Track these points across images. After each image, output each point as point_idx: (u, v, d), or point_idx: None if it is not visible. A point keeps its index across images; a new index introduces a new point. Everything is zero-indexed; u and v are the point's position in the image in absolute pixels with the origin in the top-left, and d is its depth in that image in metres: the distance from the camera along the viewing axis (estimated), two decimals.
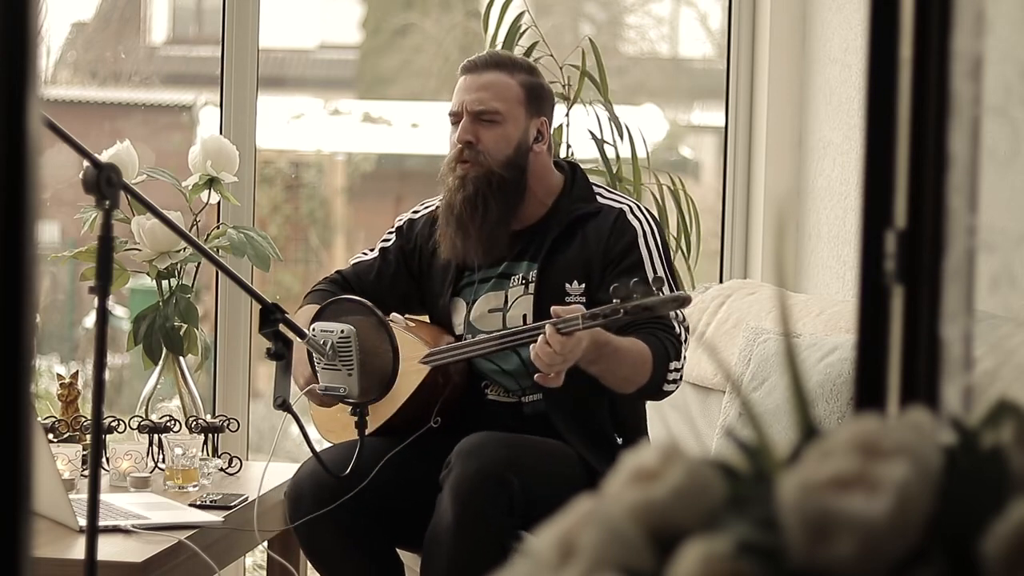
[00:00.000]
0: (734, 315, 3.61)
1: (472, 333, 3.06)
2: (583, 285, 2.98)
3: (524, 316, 3.01)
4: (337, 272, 3.25)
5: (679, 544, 0.87)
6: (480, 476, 2.74)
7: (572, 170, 3.12)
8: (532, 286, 3.01)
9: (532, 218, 3.06)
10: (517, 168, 3.01)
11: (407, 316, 3.16)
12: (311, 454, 2.76)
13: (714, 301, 3.72)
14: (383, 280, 3.18)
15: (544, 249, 3.01)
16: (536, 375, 2.75)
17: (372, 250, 3.24)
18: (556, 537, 0.91)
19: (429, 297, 3.15)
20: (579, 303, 2.91)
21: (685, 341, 2.94)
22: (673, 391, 2.94)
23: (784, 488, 0.86)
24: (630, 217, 3.02)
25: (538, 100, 3.05)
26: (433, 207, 3.16)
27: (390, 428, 3.02)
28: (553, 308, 2.74)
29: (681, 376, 2.94)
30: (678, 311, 2.90)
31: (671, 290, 2.79)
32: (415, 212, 3.23)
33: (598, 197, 3.07)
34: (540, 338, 2.70)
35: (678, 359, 2.90)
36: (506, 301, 3.03)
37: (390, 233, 3.23)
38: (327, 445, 3.11)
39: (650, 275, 2.94)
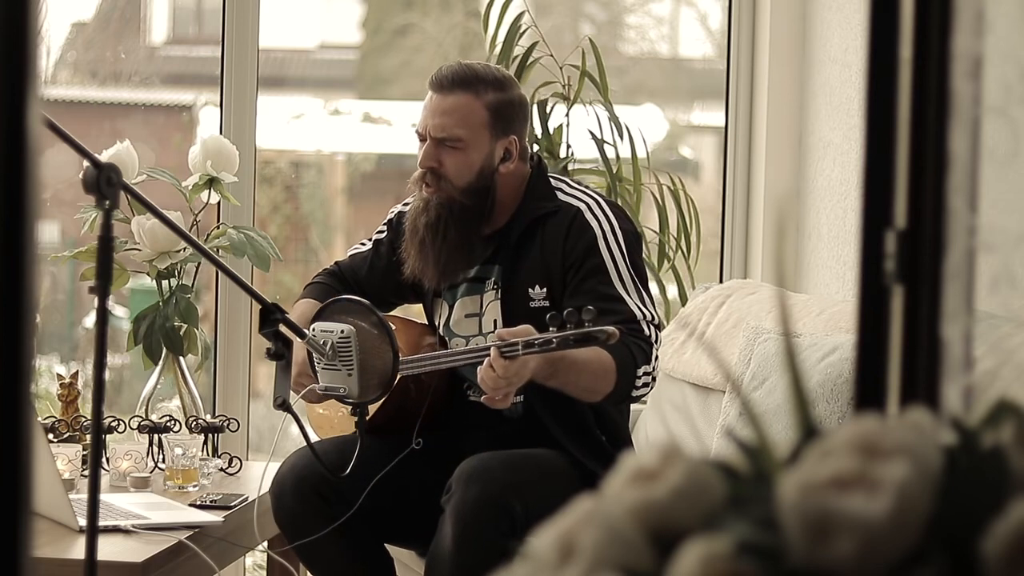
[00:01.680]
0: (734, 315, 3.61)
1: (449, 337, 3.07)
2: (545, 289, 2.95)
3: (495, 321, 3.00)
4: (335, 263, 3.25)
5: (679, 544, 0.87)
6: (481, 501, 2.73)
7: (536, 165, 3.05)
8: (500, 291, 3.00)
9: (500, 221, 3.02)
10: (480, 192, 2.96)
11: (393, 317, 3.15)
12: (304, 451, 2.77)
13: (714, 301, 3.71)
14: (375, 272, 3.18)
15: (508, 253, 3.00)
16: (483, 397, 2.73)
17: (368, 240, 3.24)
18: (556, 537, 0.91)
19: (421, 289, 3.15)
20: (543, 307, 2.90)
21: (656, 341, 2.90)
22: (645, 394, 2.91)
23: (784, 488, 0.86)
24: (588, 216, 2.95)
25: (506, 119, 2.97)
26: None
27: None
28: (498, 331, 2.72)
29: (653, 378, 2.90)
30: (644, 310, 2.88)
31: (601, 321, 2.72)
32: (405, 204, 3.21)
33: (557, 194, 3.00)
34: (485, 361, 2.68)
35: (648, 363, 2.87)
36: (481, 306, 3.03)
37: (383, 225, 3.23)
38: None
39: (614, 277, 2.90)
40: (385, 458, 2.95)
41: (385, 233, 3.20)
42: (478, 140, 2.95)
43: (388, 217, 3.23)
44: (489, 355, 2.67)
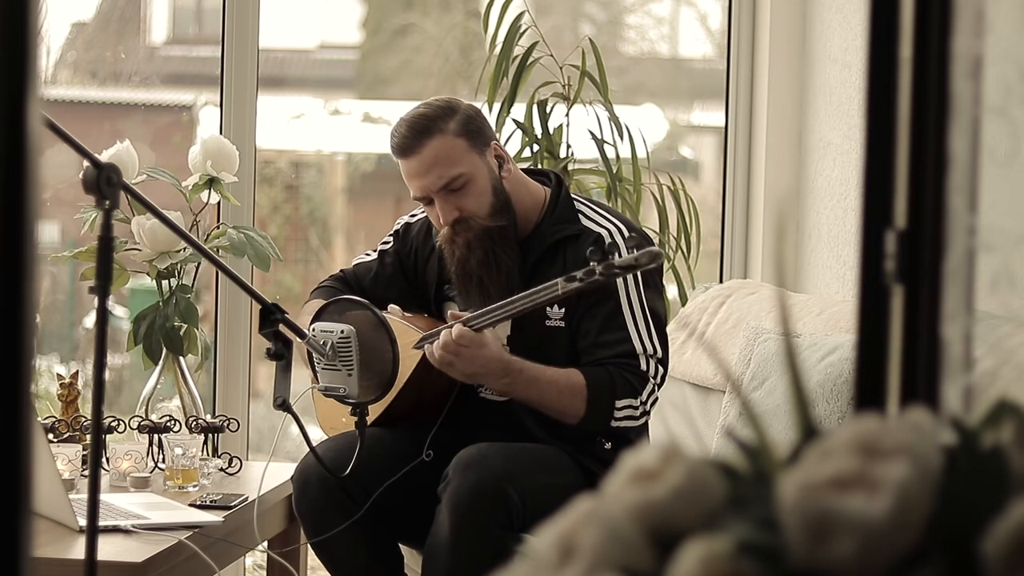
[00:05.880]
0: (734, 315, 3.61)
1: None
2: (563, 310, 2.98)
3: (507, 338, 3.01)
4: (341, 271, 3.29)
5: (679, 544, 0.87)
6: (478, 489, 2.74)
7: (557, 185, 3.08)
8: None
9: (523, 231, 3.05)
10: (503, 206, 2.99)
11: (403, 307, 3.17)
12: (328, 444, 2.79)
13: (714, 301, 3.72)
14: (379, 282, 3.20)
15: (526, 272, 3.01)
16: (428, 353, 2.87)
17: (373, 251, 3.26)
18: (556, 537, 0.91)
19: (424, 301, 3.17)
20: (558, 327, 2.96)
21: (654, 376, 2.93)
22: (631, 427, 2.93)
23: (784, 488, 0.86)
24: (608, 245, 2.98)
25: (476, 133, 2.99)
26: None
27: (389, 416, 3.04)
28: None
29: (645, 411, 2.93)
30: (649, 343, 2.92)
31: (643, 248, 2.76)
32: (412, 216, 3.24)
33: (580, 217, 3.03)
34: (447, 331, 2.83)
35: (636, 396, 2.90)
36: None
37: (389, 236, 3.26)
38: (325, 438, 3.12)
39: (624, 309, 2.93)
40: (398, 458, 2.97)
41: (391, 244, 3.23)
42: (473, 165, 2.97)
43: (395, 227, 3.25)
44: (557, 291, 2.75)
